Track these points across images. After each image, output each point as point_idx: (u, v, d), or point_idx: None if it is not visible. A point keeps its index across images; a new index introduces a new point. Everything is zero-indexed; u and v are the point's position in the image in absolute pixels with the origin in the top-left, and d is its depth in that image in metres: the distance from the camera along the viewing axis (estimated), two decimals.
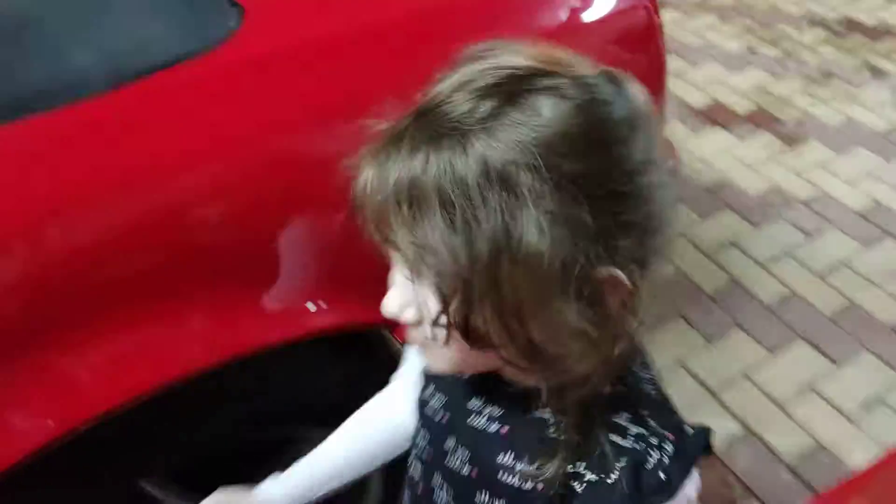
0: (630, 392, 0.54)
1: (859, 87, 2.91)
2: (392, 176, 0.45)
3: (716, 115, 2.72)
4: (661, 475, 0.50)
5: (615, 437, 0.52)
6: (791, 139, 2.61)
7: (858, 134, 2.65)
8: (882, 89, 2.90)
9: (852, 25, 3.35)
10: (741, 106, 2.77)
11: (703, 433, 0.55)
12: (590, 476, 0.51)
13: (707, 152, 2.53)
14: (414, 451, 0.70)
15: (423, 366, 0.66)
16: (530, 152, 0.43)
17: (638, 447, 0.51)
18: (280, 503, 0.75)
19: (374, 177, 0.46)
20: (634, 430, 0.52)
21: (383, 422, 0.79)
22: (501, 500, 0.57)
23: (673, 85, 2.82)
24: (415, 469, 0.69)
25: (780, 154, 2.55)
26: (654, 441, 0.51)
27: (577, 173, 0.44)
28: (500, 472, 0.56)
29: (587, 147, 0.45)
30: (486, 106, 0.44)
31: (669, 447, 0.51)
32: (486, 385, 0.58)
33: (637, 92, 0.49)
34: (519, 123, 0.44)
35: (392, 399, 0.79)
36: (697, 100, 2.80)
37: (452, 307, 0.47)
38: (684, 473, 0.51)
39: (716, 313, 1.97)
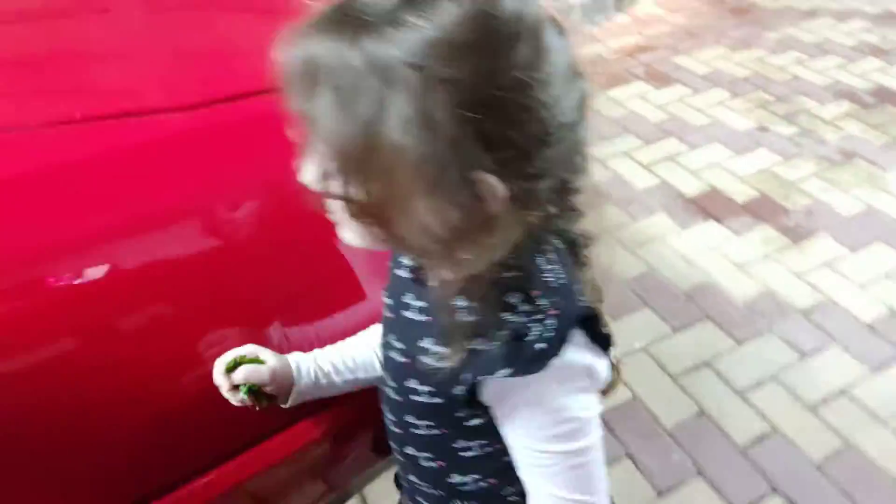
0: (526, 276, 0.58)
1: (886, 170, 2.55)
2: (300, 52, 0.50)
3: (709, 205, 2.41)
4: (540, 345, 0.56)
5: (505, 314, 0.57)
6: (796, 233, 2.28)
7: (878, 226, 2.29)
8: None
9: (885, 95, 3.00)
10: (741, 193, 2.46)
11: (583, 308, 0.59)
12: (479, 347, 0.58)
13: (692, 250, 2.23)
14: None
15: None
16: (413, 53, 0.47)
17: (521, 320, 0.57)
18: (302, 376, 0.81)
19: (289, 50, 0.51)
20: (523, 307, 0.57)
21: None
22: (426, 385, 0.65)
23: (665, 171, 2.57)
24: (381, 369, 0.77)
25: (780, 252, 2.21)
26: (538, 317, 0.57)
27: (455, 79, 0.47)
28: (422, 355, 0.64)
29: (469, 54, 0.48)
30: (389, 3, 0.49)
31: (552, 321, 0.56)
32: (419, 281, 0.66)
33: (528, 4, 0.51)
34: (411, 24, 0.47)
35: None
36: (691, 187, 2.50)
37: (333, 179, 0.53)
38: (559, 343, 0.56)
39: (674, 457, 1.65)
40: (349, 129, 0.49)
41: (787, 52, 3.38)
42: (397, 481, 0.87)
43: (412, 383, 0.67)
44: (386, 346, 0.72)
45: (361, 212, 0.54)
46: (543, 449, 0.61)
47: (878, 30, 3.56)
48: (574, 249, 0.64)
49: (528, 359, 0.56)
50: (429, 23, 0.47)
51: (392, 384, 0.71)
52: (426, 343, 0.64)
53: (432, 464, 0.72)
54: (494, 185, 0.51)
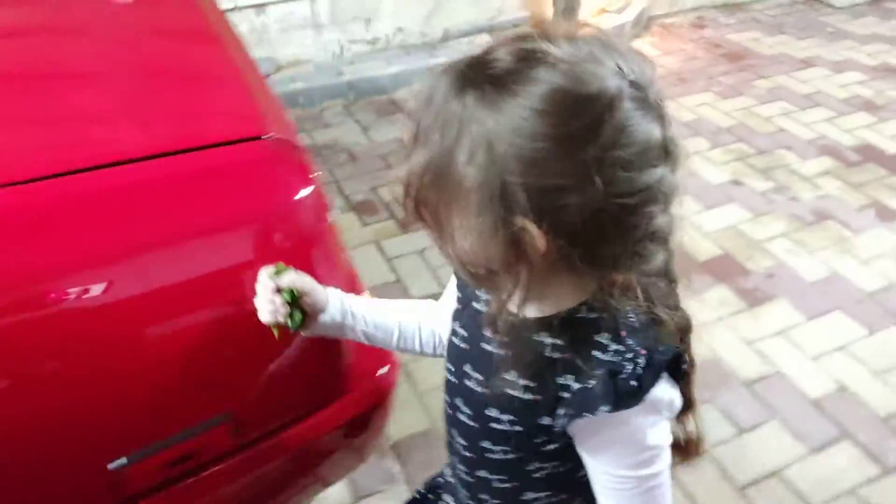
0: (612, 318, 0.65)
1: (857, 233, 2.47)
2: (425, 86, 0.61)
3: None
4: (633, 382, 0.62)
5: (597, 353, 0.64)
6: (753, 297, 2.21)
7: (840, 294, 2.21)
8: (886, 237, 2.44)
9: (870, 153, 2.92)
10: (704, 251, 2.40)
11: (671, 349, 0.66)
12: (574, 385, 0.64)
13: None
14: (445, 383, 0.81)
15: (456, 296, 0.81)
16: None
17: (615, 360, 0.63)
18: (332, 306, 0.87)
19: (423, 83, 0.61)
20: (613, 346, 0.64)
21: (423, 317, 0.92)
22: (507, 414, 0.71)
23: None
24: (445, 398, 0.81)
25: (734, 316, 2.14)
26: (629, 356, 0.63)
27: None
28: (507, 387, 0.68)
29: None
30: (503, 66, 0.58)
31: (642, 360, 0.63)
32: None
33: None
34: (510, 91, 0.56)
35: (434, 309, 0.92)
36: None
37: (407, 197, 0.62)
38: (653, 380, 0.63)
39: None
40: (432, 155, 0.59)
41: (775, 103, 3.31)
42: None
43: (493, 412, 0.72)
44: (460, 374, 0.77)
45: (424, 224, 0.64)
46: (624, 475, 0.67)
47: (873, 83, 3.47)
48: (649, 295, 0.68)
49: (623, 395, 0.62)
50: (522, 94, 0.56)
51: (468, 411, 0.76)
52: (510, 376, 0.68)
53: (506, 485, 0.78)
54: (530, 230, 0.57)
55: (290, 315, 0.81)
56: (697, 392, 0.76)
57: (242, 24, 3.22)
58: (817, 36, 4.00)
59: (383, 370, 1.15)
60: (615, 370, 0.63)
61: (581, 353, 0.64)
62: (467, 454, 0.79)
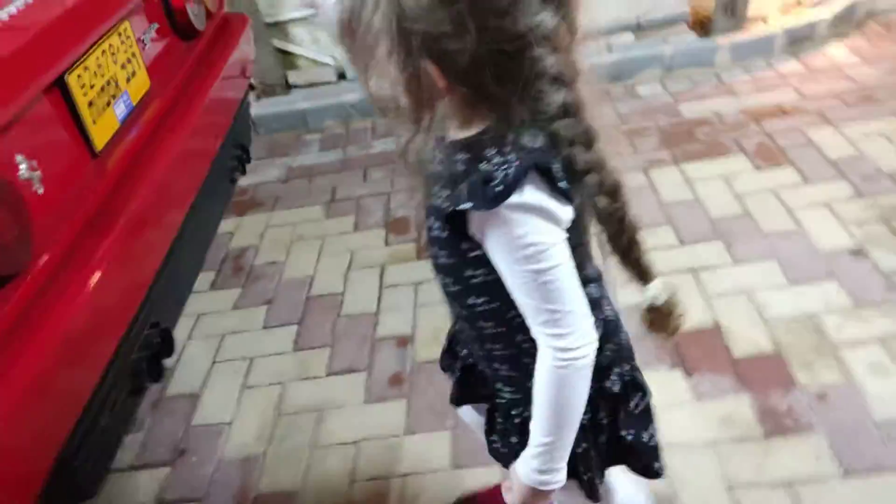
0: (500, 138, 0.74)
1: None
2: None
3: (692, 349, 1.80)
4: (499, 188, 0.71)
5: (482, 164, 0.74)
6: (778, 424, 1.59)
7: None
8: None
9: None
10: (748, 343, 1.79)
11: (543, 159, 0.73)
12: (458, 191, 0.75)
13: None
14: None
15: None
16: None
17: (492, 169, 0.73)
18: None
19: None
20: (496, 159, 0.74)
21: None
22: (443, 250, 0.85)
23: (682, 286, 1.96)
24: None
25: (736, 444, 1.57)
26: (504, 166, 0.72)
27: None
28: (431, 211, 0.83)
29: None
30: None
31: (513, 169, 0.72)
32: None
33: None
34: None
35: None
36: (689, 318, 1.90)
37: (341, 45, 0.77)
38: (515, 185, 0.71)
39: None
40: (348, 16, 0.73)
41: None
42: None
43: (438, 255, 0.87)
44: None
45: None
46: (518, 269, 0.77)
47: None
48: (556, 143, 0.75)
49: (487, 198, 0.72)
50: None
51: (437, 274, 0.91)
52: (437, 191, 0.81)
53: (469, 323, 0.94)
54: (430, 69, 0.71)
55: None
56: None
57: None
58: None
59: None
60: (488, 177, 0.72)
61: (473, 166, 0.75)
62: (459, 312, 0.95)
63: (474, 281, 0.85)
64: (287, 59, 3.35)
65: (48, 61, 1.31)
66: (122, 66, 1.59)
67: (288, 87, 3.32)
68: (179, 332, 1.95)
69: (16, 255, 1.12)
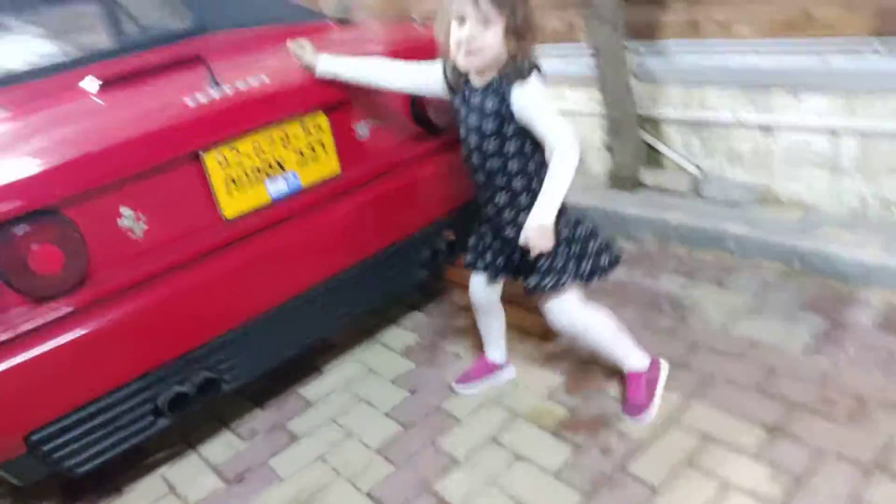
0: (530, 60, 1.56)
1: None
2: None
3: None
4: (527, 72, 1.55)
5: (513, 71, 1.57)
6: None
7: None
8: None
9: None
10: None
11: (537, 65, 1.59)
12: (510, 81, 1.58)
13: None
14: (464, 142, 1.72)
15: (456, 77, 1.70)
16: None
17: (521, 68, 1.54)
18: (328, 64, 1.86)
19: None
20: (524, 66, 1.55)
21: (404, 76, 1.83)
22: (492, 123, 1.61)
23: None
24: (469, 148, 1.70)
25: None
26: (526, 65, 1.55)
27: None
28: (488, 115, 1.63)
29: None
30: None
31: (528, 65, 1.55)
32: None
33: None
34: None
35: (410, 74, 1.82)
36: None
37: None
38: (530, 72, 1.55)
39: None
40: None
41: None
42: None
43: (487, 126, 1.63)
44: (469, 127, 1.67)
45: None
46: (545, 117, 1.54)
47: None
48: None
49: (523, 76, 1.54)
50: None
51: (476, 139, 1.66)
52: (490, 102, 1.63)
53: (499, 163, 1.66)
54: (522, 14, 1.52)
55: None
56: None
57: (745, 143, 2.78)
58: None
59: None
60: (522, 72, 1.54)
61: (510, 74, 1.55)
62: (482, 162, 1.67)
63: (512, 144, 1.62)
64: (651, 155, 3.10)
65: (186, 140, 1.65)
66: (298, 152, 1.84)
67: (636, 185, 3.08)
68: None
69: (63, 280, 1.51)
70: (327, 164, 1.92)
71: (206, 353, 1.74)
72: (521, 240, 1.56)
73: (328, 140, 1.91)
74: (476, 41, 1.50)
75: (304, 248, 1.87)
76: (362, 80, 1.85)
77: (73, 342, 1.50)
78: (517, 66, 1.52)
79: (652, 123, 3.07)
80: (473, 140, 1.65)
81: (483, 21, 1.48)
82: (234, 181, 1.75)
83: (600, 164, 3.26)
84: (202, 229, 1.72)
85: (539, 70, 1.56)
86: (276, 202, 1.83)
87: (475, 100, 1.62)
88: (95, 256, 1.57)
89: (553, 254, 1.65)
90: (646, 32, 2.95)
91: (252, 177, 1.78)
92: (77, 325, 1.51)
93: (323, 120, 1.89)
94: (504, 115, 1.57)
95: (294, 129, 1.84)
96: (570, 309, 1.75)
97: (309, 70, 1.86)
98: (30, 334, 1.47)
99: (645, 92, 3.01)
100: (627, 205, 2.98)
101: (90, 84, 2.04)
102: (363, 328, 2.48)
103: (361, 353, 2.39)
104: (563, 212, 1.61)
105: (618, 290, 2.53)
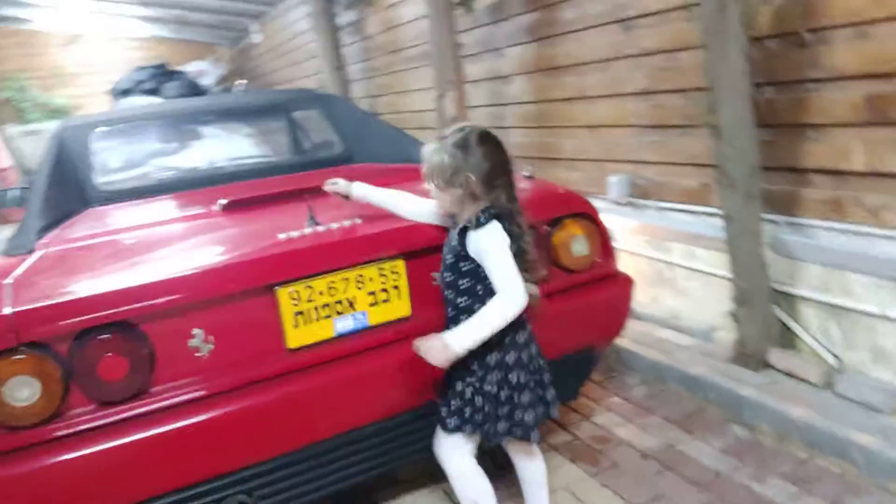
0: (489, 208, 1.77)
1: None
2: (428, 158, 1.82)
3: None
4: (482, 220, 1.75)
5: (478, 217, 1.76)
6: None
7: None
8: None
9: None
10: None
11: (496, 215, 1.77)
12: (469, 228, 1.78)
13: None
14: (441, 276, 1.87)
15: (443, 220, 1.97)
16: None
17: (480, 217, 1.75)
18: (360, 189, 2.13)
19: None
20: (483, 215, 1.75)
21: (417, 208, 2.04)
22: (461, 261, 1.79)
23: None
24: (440, 278, 1.87)
25: None
26: (485, 215, 1.75)
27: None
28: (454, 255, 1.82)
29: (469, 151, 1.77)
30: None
31: (485, 216, 1.75)
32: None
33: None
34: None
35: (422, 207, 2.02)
36: None
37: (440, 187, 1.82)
38: (487, 221, 1.75)
39: None
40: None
41: None
42: None
43: (452, 264, 1.81)
44: (445, 263, 1.85)
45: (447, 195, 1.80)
46: (492, 263, 1.72)
47: None
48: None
49: (477, 225, 1.74)
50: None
51: (446, 273, 1.83)
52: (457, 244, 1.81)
53: (460, 299, 1.82)
54: (471, 179, 1.73)
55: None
56: None
57: (892, 341, 2.43)
58: None
59: None
60: (479, 220, 1.72)
61: (471, 220, 1.74)
62: (443, 293, 1.84)
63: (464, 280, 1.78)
64: (783, 334, 2.79)
65: (266, 274, 1.78)
66: (371, 293, 1.91)
67: (762, 365, 2.77)
68: None
69: (126, 387, 1.65)
70: (399, 307, 1.96)
71: (248, 476, 1.79)
72: (415, 344, 1.73)
73: (403, 284, 1.96)
74: (437, 200, 1.84)
75: (366, 384, 1.89)
76: (388, 207, 2.07)
77: (123, 446, 1.62)
78: (476, 216, 1.73)
79: (787, 300, 2.78)
80: (440, 270, 1.86)
81: (439, 189, 1.79)
82: (301, 314, 1.84)
83: (725, 333, 2.99)
84: (265, 355, 1.82)
85: (500, 218, 1.75)
86: (342, 338, 1.89)
87: (451, 234, 1.84)
88: (161, 370, 1.71)
89: (465, 398, 1.79)
90: (785, 205, 2.74)
91: (321, 312, 1.86)
92: (132, 431, 1.63)
93: (401, 265, 1.95)
94: (460, 252, 1.77)
95: (371, 272, 1.91)
96: (453, 457, 1.87)
97: (345, 196, 2.14)
98: (87, 433, 1.61)
99: (782, 266, 2.76)
100: (747, 385, 2.68)
101: (218, 203, 2.29)
102: (429, 469, 2.42)
103: (422, 496, 2.32)
104: (490, 360, 1.76)
105: (715, 485, 2.25)
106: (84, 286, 1.69)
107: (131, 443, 1.62)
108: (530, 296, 1.75)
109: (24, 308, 1.58)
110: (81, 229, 2.31)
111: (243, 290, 1.77)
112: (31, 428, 1.59)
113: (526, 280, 1.75)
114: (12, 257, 2.04)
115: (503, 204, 1.76)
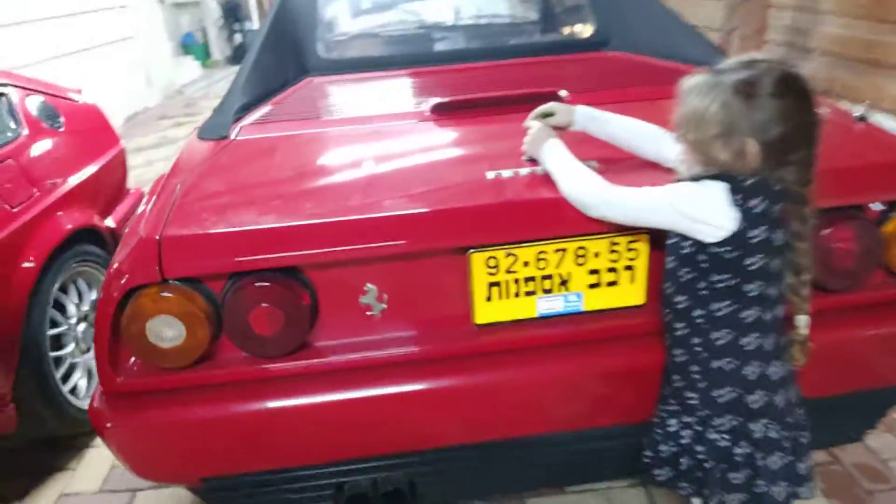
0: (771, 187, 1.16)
1: None
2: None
3: None
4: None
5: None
6: None
7: None
8: None
9: None
10: None
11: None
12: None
13: None
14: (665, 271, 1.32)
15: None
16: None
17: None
18: (577, 123, 1.51)
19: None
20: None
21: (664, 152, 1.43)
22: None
23: None
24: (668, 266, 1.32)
25: None
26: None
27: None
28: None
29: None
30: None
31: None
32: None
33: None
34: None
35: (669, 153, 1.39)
36: None
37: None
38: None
39: None
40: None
41: None
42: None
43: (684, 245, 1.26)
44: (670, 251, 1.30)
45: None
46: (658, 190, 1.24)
47: None
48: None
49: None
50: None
51: (675, 263, 1.28)
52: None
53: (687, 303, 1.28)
54: (748, 144, 1.12)
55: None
56: None
57: None
58: None
59: None
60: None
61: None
62: (673, 293, 1.29)
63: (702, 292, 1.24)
64: None
65: (460, 235, 1.36)
66: (593, 272, 1.43)
67: None
68: None
69: (279, 343, 1.39)
70: (629, 293, 1.44)
71: (407, 462, 1.50)
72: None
73: (641, 265, 1.42)
74: (684, 157, 1.28)
75: (568, 384, 1.44)
76: (623, 144, 1.50)
77: (274, 410, 1.39)
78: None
79: None
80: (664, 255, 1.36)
81: (691, 147, 1.24)
82: (497, 285, 1.41)
83: None
84: (446, 327, 1.44)
85: (775, 199, 1.20)
86: (544, 320, 1.45)
87: None
88: (325, 325, 1.42)
89: (681, 443, 1.31)
90: None
91: (521, 287, 1.42)
92: (284, 394, 1.39)
93: (644, 242, 1.40)
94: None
95: (599, 245, 1.39)
96: None
97: (564, 127, 1.51)
98: (235, 387, 1.40)
99: None
100: None
101: (425, 104, 1.87)
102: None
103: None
104: (719, 397, 1.25)
105: None
106: (250, 215, 1.37)
107: (283, 408, 1.38)
108: (795, 335, 1.24)
109: (176, 234, 1.33)
110: (285, 111, 2.01)
111: (432, 250, 1.38)
112: (177, 371, 1.40)
113: (794, 303, 1.23)
114: (204, 142, 1.81)
115: (789, 185, 1.15)
